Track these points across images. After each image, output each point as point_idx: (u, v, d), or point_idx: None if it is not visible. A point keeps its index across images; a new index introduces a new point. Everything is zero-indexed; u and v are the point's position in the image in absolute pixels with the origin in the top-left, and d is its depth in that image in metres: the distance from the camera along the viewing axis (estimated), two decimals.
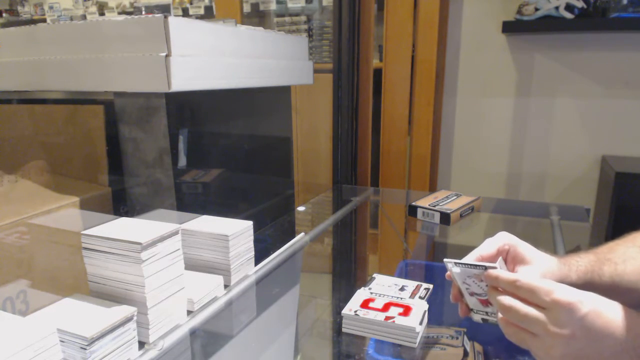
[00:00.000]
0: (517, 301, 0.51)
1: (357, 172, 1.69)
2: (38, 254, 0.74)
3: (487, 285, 0.57)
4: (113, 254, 0.60)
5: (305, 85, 1.22)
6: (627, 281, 0.58)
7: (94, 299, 0.60)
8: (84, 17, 3.57)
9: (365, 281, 0.83)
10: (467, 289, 0.60)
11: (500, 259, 0.59)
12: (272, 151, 1.21)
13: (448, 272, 0.60)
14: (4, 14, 4.05)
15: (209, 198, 0.95)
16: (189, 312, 0.69)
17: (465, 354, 0.66)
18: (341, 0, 1.53)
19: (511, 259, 0.62)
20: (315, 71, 1.26)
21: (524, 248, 0.61)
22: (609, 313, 0.47)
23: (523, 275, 0.51)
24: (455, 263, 0.58)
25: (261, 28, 1.01)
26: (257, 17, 2.50)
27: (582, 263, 0.61)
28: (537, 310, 0.49)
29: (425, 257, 1.11)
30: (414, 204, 1.23)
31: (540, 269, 0.59)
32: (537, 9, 1.55)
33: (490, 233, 0.64)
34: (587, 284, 0.59)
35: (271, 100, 1.17)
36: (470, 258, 0.60)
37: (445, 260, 0.59)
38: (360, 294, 0.77)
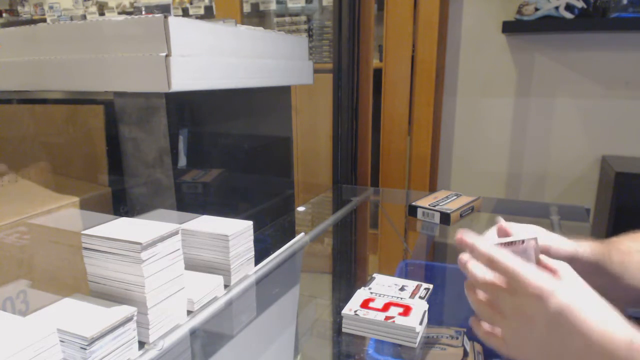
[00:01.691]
0: (491, 278, 0.50)
1: (357, 172, 1.69)
2: (38, 254, 0.74)
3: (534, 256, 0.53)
4: (113, 254, 0.60)
5: (305, 85, 1.22)
6: (631, 274, 0.57)
7: (94, 299, 0.60)
8: (84, 17, 3.57)
9: (365, 281, 0.83)
10: None
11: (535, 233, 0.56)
12: (272, 151, 1.21)
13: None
14: (4, 14, 4.06)
15: (209, 198, 0.95)
16: (189, 312, 0.69)
17: (465, 354, 0.66)
18: (341, 0, 1.53)
19: None
20: (315, 71, 1.26)
21: (514, 228, 0.59)
22: (585, 312, 0.44)
23: (501, 253, 0.49)
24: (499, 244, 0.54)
25: (261, 28, 1.01)
26: (257, 17, 2.51)
27: (592, 245, 0.59)
28: (509, 290, 0.48)
29: (425, 257, 1.11)
30: (414, 204, 1.23)
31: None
32: (537, 9, 1.55)
33: None
34: (598, 267, 0.57)
35: (271, 100, 1.17)
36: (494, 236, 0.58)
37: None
38: (360, 294, 0.77)
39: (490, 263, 0.49)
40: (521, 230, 0.59)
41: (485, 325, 0.53)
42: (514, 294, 0.47)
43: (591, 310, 0.44)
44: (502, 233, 0.59)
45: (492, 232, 0.60)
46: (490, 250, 0.50)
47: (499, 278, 0.49)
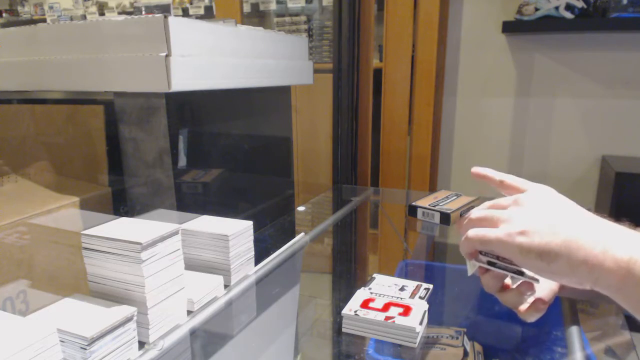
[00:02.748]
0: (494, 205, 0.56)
1: (357, 172, 1.69)
2: (38, 254, 0.74)
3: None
4: (113, 254, 0.60)
5: (305, 85, 1.22)
6: None
7: (94, 299, 0.60)
8: (84, 17, 3.57)
9: (365, 281, 0.83)
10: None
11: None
12: (272, 151, 1.21)
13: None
14: (4, 14, 4.06)
15: (209, 198, 0.95)
16: (189, 312, 0.69)
17: (465, 354, 0.67)
18: (341, 0, 1.53)
19: None
20: (315, 71, 1.26)
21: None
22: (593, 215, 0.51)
23: (508, 176, 0.59)
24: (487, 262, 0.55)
25: (261, 28, 1.01)
26: (257, 17, 2.51)
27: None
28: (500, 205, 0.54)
29: (425, 257, 1.11)
30: (414, 204, 1.23)
31: None
32: (537, 9, 1.55)
33: None
34: None
35: (271, 100, 1.17)
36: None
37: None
38: (360, 294, 0.77)
39: (503, 186, 0.59)
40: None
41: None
42: (511, 199, 0.54)
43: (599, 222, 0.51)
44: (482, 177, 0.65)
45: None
46: (502, 175, 0.60)
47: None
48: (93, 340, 0.52)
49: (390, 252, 1.24)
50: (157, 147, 0.83)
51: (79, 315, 0.56)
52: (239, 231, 0.77)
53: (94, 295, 0.62)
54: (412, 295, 0.77)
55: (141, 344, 0.60)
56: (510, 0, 1.65)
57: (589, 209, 0.53)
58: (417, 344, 0.67)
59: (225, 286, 0.77)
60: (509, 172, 0.62)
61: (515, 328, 0.76)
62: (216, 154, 0.99)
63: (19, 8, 3.98)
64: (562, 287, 0.58)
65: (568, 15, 1.52)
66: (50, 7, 3.76)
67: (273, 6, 2.42)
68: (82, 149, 0.90)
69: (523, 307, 0.55)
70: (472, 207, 1.26)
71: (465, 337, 0.70)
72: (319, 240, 1.13)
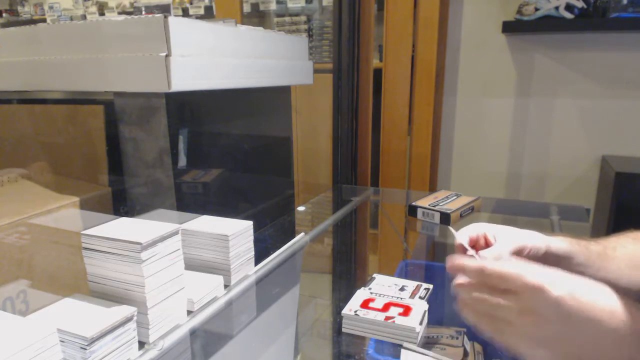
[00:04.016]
0: (484, 293, 0.48)
1: (357, 172, 1.69)
2: (38, 254, 0.74)
3: None
4: (113, 254, 0.60)
5: (305, 85, 1.22)
6: (615, 267, 0.58)
7: (94, 299, 0.60)
8: (84, 17, 3.57)
9: (365, 281, 0.83)
10: None
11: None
12: (272, 151, 1.21)
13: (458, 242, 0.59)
14: (4, 14, 4.06)
15: (209, 198, 0.95)
16: (189, 312, 0.69)
17: (465, 354, 0.67)
18: (341, 0, 1.53)
19: (482, 248, 0.60)
20: (315, 71, 1.26)
21: (491, 230, 0.59)
22: (587, 296, 0.44)
23: (490, 262, 0.48)
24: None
25: (261, 28, 1.01)
26: (257, 17, 2.50)
27: (564, 238, 0.60)
28: (508, 298, 0.47)
29: (425, 257, 1.11)
30: (414, 204, 1.23)
31: (506, 246, 0.57)
32: (537, 9, 1.55)
33: None
34: (572, 258, 0.59)
35: (271, 100, 1.17)
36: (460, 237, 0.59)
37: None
38: (360, 294, 0.77)
39: (483, 275, 0.48)
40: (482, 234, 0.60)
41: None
42: (516, 296, 0.46)
43: (592, 292, 0.45)
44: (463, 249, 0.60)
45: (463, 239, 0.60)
46: (479, 263, 0.49)
47: (495, 287, 0.48)
48: (93, 340, 0.52)
49: (390, 252, 1.24)
50: (157, 147, 0.83)
51: (79, 315, 0.56)
52: (239, 231, 0.77)
53: (94, 295, 0.62)
54: (412, 295, 0.76)
55: (141, 344, 0.60)
56: (510, 0, 1.65)
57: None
58: (417, 344, 0.67)
59: (225, 286, 0.77)
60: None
61: None
62: (216, 154, 0.99)
63: (19, 8, 3.98)
64: None
65: (568, 15, 1.52)
66: (50, 7, 3.76)
67: (273, 6, 2.42)
68: (82, 149, 0.90)
69: None
70: (472, 207, 1.27)
71: (465, 337, 0.70)
72: (319, 240, 1.13)
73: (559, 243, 0.59)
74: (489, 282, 0.48)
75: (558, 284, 0.44)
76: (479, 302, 0.49)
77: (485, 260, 0.50)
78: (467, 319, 0.51)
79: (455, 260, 0.51)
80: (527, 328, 0.45)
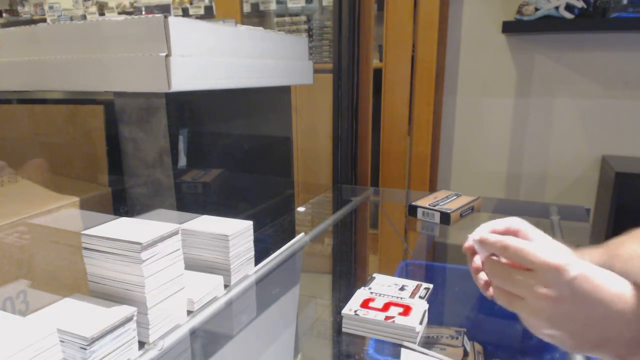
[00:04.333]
0: (503, 264, 0.50)
1: (357, 172, 1.69)
2: (38, 254, 0.74)
3: None
4: (113, 254, 0.60)
5: (305, 85, 1.22)
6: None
7: (94, 299, 0.60)
8: (84, 17, 3.57)
9: (365, 281, 0.83)
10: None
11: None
12: (272, 151, 1.21)
13: (467, 245, 0.59)
14: (4, 14, 4.06)
15: (209, 198, 0.95)
16: (189, 312, 0.69)
17: (465, 354, 0.67)
18: (341, 0, 1.53)
19: None
20: (315, 71, 1.26)
21: (534, 234, 0.58)
22: (598, 278, 0.46)
23: (512, 238, 0.50)
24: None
25: (261, 28, 1.01)
26: (257, 17, 2.50)
27: (594, 255, 0.59)
28: (523, 272, 0.48)
29: (425, 257, 1.11)
30: (414, 204, 1.23)
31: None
32: (537, 9, 1.55)
33: None
34: None
35: (271, 100, 1.17)
36: (481, 231, 0.57)
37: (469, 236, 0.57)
38: (360, 294, 0.77)
39: (504, 250, 0.50)
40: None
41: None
42: (534, 274, 0.47)
43: (603, 275, 0.47)
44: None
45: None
46: (501, 238, 0.50)
47: (513, 263, 0.50)
48: (93, 340, 0.52)
49: (390, 252, 1.24)
50: (157, 147, 0.83)
51: (79, 315, 0.56)
52: (239, 231, 0.77)
53: (94, 295, 0.62)
54: (412, 295, 0.76)
55: (141, 344, 0.60)
56: (510, 0, 1.65)
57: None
58: (417, 344, 0.67)
59: (225, 286, 0.77)
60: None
61: (516, 328, 0.76)
62: (216, 154, 0.99)
63: (19, 8, 3.98)
64: None
65: (568, 15, 1.52)
66: (50, 7, 3.76)
67: (273, 6, 2.42)
68: (82, 149, 0.90)
69: None
70: (472, 207, 1.27)
71: (465, 337, 0.70)
72: (319, 240, 1.13)
73: (596, 258, 0.58)
74: (508, 257, 0.50)
75: (574, 265, 0.46)
76: (496, 274, 0.51)
77: (506, 237, 0.51)
78: (482, 289, 0.53)
79: (477, 235, 0.53)
80: (541, 305, 0.47)
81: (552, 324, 0.47)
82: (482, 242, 0.53)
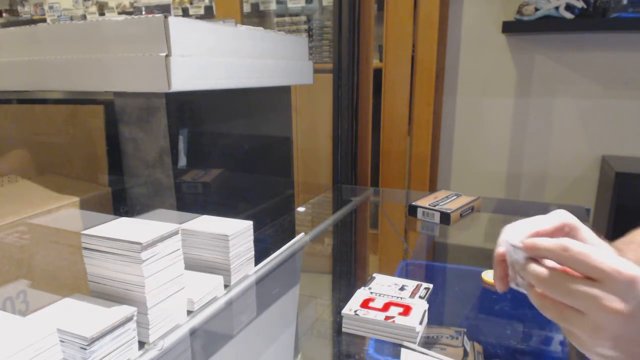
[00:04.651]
0: (560, 271, 0.42)
1: (357, 172, 1.69)
2: (38, 254, 0.74)
3: None
4: (113, 254, 0.60)
5: (305, 85, 1.22)
6: None
7: (94, 299, 0.60)
8: (84, 17, 3.57)
9: (365, 281, 0.83)
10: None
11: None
12: (272, 151, 1.21)
13: (501, 251, 0.49)
14: (4, 14, 4.06)
15: (209, 198, 0.95)
16: (189, 312, 0.69)
17: (465, 354, 0.67)
18: (341, 0, 1.53)
19: None
20: (315, 71, 1.26)
21: (586, 233, 0.48)
22: None
23: (572, 241, 0.41)
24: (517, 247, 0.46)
25: (261, 28, 1.01)
26: (257, 17, 2.51)
27: (629, 253, 0.52)
28: (587, 282, 0.40)
29: (425, 257, 1.11)
30: (414, 204, 1.23)
31: None
32: (537, 9, 1.55)
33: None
34: None
35: (271, 100, 1.17)
36: (522, 235, 0.47)
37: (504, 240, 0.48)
38: (360, 294, 0.77)
39: (564, 255, 0.41)
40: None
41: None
42: (601, 285, 0.40)
43: None
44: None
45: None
46: (561, 240, 0.42)
47: (573, 272, 0.42)
48: (93, 340, 0.52)
49: (390, 252, 1.24)
50: (157, 147, 0.83)
51: (79, 315, 0.56)
52: (239, 231, 0.77)
53: (94, 295, 0.62)
54: (412, 295, 0.77)
55: (141, 344, 0.60)
56: (510, 0, 1.65)
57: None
58: (417, 344, 0.67)
59: (225, 286, 0.77)
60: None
61: (516, 328, 0.76)
62: (216, 154, 0.99)
63: (19, 8, 3.98)
64: None
65: (568, 15, 1.52)
66: (50, 7, 3.76)
67: (273, 6, 2.42)
68: (82, 149, 0.90)
69: None
70: (472, 207, 1.27)
71: (465, 337, 0.70)
72: (319, 240, 1.13)
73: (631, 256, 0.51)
74: (568, 264, 0.42)
75: None
76: (549, 282, 0.42)
77: (565, 239, 0.42)
78: (533, 301, 0.44)
79: (529, 241, 0.44)
80: (607, 321, 0.39)
81: (616, 345, 0.40)
82: (535, 250, 0.43)
